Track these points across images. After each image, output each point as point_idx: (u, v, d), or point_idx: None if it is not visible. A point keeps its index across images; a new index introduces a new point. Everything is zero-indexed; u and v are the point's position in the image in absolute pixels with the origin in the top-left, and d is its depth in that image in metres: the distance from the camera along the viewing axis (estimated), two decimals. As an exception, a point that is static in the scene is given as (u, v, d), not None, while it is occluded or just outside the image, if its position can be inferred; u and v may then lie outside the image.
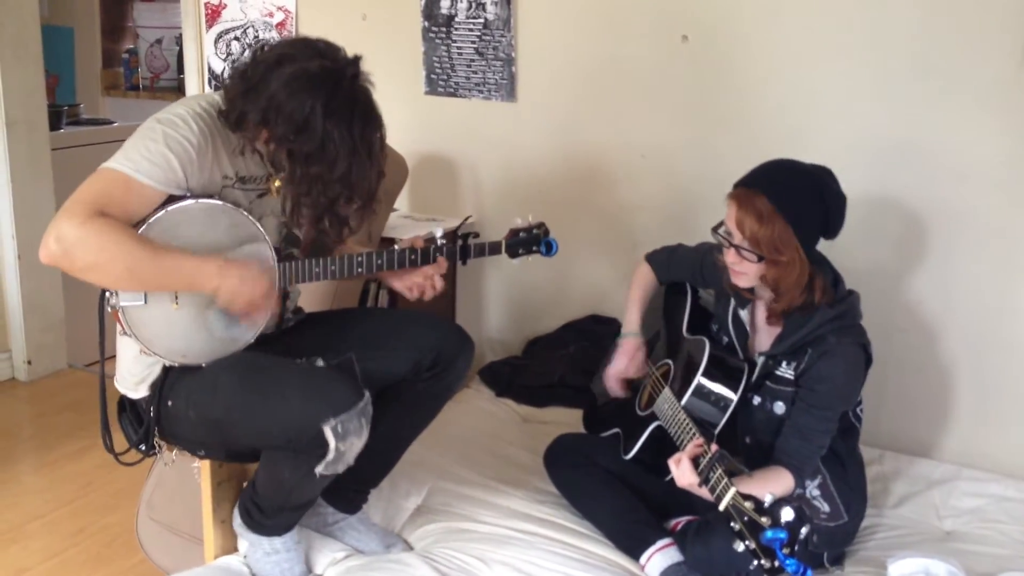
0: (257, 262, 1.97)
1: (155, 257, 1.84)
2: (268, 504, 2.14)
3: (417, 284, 2.25)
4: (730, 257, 2.12)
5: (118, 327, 2.00)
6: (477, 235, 2.37)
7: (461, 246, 2.27)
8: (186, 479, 2.35)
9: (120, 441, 2.15)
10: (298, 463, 1.98)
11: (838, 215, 2.13)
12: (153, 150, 1.86)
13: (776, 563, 1.70)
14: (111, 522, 2.94)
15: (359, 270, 2.15)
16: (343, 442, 1.91)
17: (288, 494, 2.10)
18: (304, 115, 1.86)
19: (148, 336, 1.97)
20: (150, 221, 1.88)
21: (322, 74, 1.88)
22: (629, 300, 2.51)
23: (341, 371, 2.07)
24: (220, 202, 1.97)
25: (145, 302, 1.93)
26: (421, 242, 2.24)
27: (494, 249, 2.33)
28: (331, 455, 1.92)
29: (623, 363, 2.43)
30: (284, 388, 1.97)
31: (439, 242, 2.23)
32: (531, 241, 2.36)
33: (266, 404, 1.96)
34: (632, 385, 2.46)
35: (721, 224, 2.13)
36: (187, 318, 1.98)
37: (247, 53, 1.99)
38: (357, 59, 1.97)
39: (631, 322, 2.48)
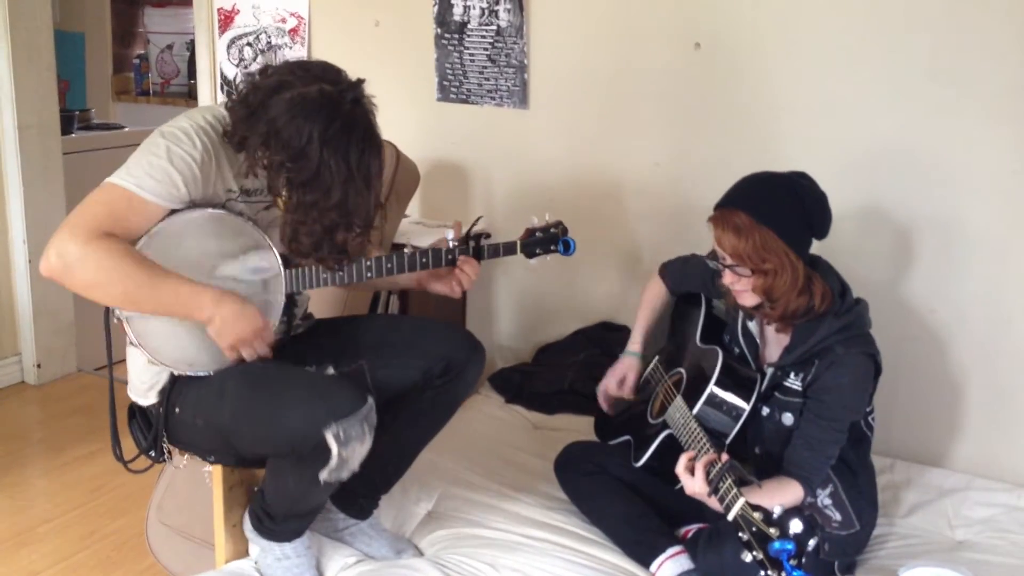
0: (254, 305, 1.96)
1: (152, 283, 1.84)
2: (277, 510, 2.14)
3: (455, 281, 2.24)
4: (727, 279, 2.14)
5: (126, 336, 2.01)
6: (489, 235, 2.34)
7: (475, 247, 2.23)
8: (197, 483, 2.35)
9: (130, 447, 2.15)
10: (302, 470, 1.98)
11: (821, 213, 2.13)
12: (156, 165, 1.87)
13: (783, 574, 1.70)
14: (121, 526, 2.93)
15: (368, 275, 2.14)
16: (345, 448, 1.91)
17: (295, 501, 2.11)
18: (302, 142, 1.86)
19: (155, 346, 1.98)
20: (152, 232, 1.89)
21: (321, 99, 1.87)
22: (636, 318, 2.55)
23: (348, 378, 2.07)
24: (223, 211, 1.97)
25: None
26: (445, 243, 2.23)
27: (509, 249, 2.27)
28: (334, 461, 1.92)
29: (608, 381, 2.50)
30: (287, 395, 1.97)
31: (451, 244, 2.21)
32: (548, 240, 2.31)
33: (269, 411, 1.96)
34: (618, 402, 2.51)
35: (712, 251, 2.17)
36: (193, 328, 1.98)
37: (248, 77, 1.98)
38: (359, 82, 1.96)
39: (633, 341, 2.53)
